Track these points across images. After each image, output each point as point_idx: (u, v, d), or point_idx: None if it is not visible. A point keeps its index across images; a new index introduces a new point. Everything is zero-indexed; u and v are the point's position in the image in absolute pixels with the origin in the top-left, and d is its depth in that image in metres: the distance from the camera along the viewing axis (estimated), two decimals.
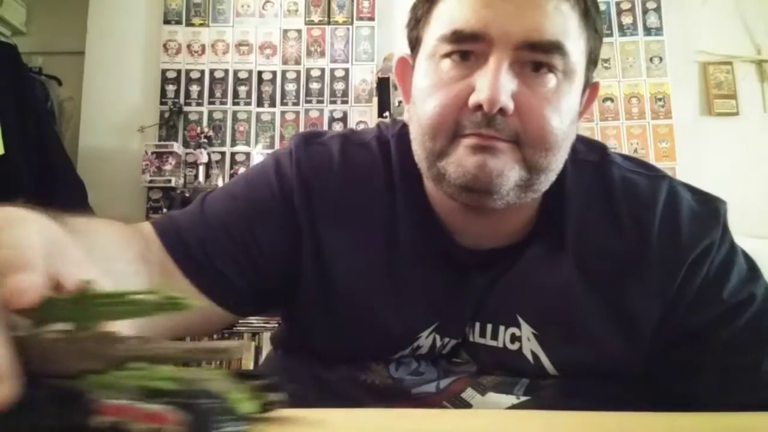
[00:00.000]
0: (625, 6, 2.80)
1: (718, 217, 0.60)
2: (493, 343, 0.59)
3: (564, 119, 0.54)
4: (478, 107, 0.51)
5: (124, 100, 2.81)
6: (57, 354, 0.28)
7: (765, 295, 0.58)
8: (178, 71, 2.81)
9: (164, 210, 2.61)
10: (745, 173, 2.69)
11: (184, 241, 0.59)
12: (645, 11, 2.78)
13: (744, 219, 2.64)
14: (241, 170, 2.67)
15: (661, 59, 2.74)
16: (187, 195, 2.62)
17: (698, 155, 2.69)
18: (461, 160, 0.53)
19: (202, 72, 2.81)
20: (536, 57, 0.52)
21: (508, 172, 0.52)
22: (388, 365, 0.61)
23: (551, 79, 0.53)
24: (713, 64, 2.79)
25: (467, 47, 0.53)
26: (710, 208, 0.61)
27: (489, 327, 0.59)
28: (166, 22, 2.85)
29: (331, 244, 0.61)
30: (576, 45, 0.54)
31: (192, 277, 0.58)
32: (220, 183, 2.65)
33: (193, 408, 0.25)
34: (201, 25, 2.85)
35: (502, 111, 0.51)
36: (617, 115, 2.70)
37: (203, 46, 2.83)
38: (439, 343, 0.60)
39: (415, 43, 0.60)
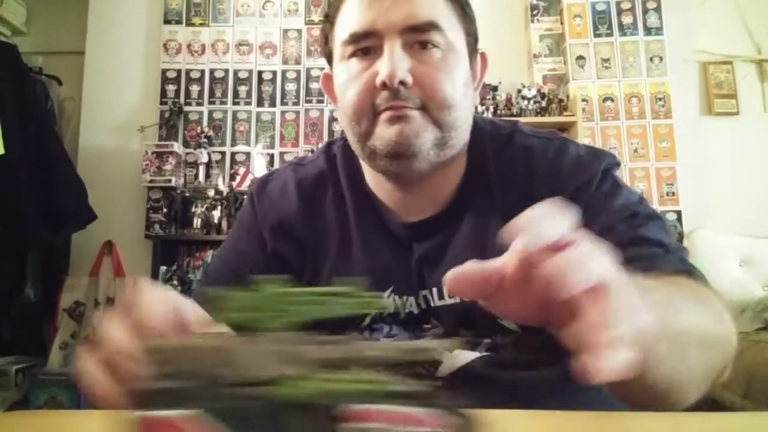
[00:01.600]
0: (625, 6, 2.80)
1: (600, 162, 0.69)
2: (451, 301, 0.66)
3: (455, 81, 0.65)
4: (384, 85, 0.63)
5: (124, 100, 2.81)
6: (251, 359, 0.26)
7: (652, 214, 0.66)
8: (178, 71, 2.81)
9: (164, 210, 2.62)
10: (745, 173, 2.69)
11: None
12: (645, 11, 2.78)
13: (744, 219, 2.65)
14: (241, 170, 2.67)
15: (661, 59, 2.74)
16: (187, 195, 2.62)
17: (698, 155, 2.69)
18: (382, 133, 0.64)
19: (202, 72, 2.81)
20: (419, 37, 0.64)
21: (423, 132, 0.64)
22: (363, 333, 0.68)
23: (436, 53, 0.65)
24: (713, 63, 2.79)
25: (364, 44, 0.65)
26: (594, 155, 0.70)
27: (445, 289, 0.64)
28: (166, 21, 2.85)
29: (308, 247, 0.72)
30: (449, 22, 0.66)
31: None
32: (220, 183, 2.65)
33: (453, 411, 0.24)
34: (201, 24, 2.85)
35: (403, 84, 0.62)
36: (617, 114, 2.70)
37: (203, 45, 2.83)
38: (399, 301, 0.68)
39: (329, 57, 0.73)
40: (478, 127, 0.72)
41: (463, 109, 0.66)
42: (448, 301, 0.66)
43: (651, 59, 2.74)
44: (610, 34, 2.77)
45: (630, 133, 2.69)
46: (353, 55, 0.66)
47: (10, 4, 2.80)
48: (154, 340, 0.28)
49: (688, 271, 0.59)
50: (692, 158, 2.67)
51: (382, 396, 0.24)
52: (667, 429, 0.42)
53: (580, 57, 2.75)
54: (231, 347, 0.26)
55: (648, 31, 2.77)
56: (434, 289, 0.67)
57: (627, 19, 2.79)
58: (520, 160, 0.70)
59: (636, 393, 0.44)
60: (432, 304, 0.67)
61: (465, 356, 0.64)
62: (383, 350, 0.28)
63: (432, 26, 0.64)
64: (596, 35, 2.77)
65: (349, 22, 0.66)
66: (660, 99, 2.70)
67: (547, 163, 0.69)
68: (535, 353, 0.62)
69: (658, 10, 2.78)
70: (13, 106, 2.25)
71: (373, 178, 0.73)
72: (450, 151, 0.67)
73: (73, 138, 2.78)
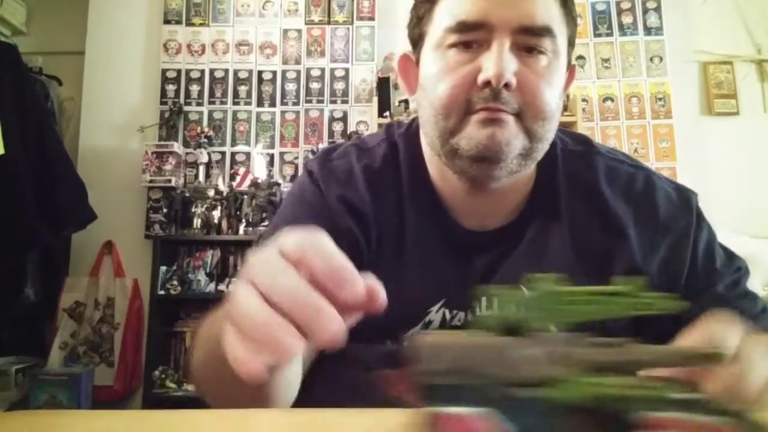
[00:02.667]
0: (625, 6, 2.80)
1: (691, 204, 0.69)
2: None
3: (555, 93, 0.62)
4: (487, 84, 0.59)
5: (124, 100, 2.81)
6: (524, 359, 0.25)
7: (746, 268, 0.68)
8: (178, 71, 2.81)
9: (164, 210, 2.62)
10: (745, 173, 2.69)
11: None
12: (645, 11, 2.78)
13: (744, 218, 2.65)
14: (241, 170, 2.67)
15: (661, 59, 2.74)
16: (187, 195, 2.62)
17: (698, 155, 2.69)
18: (472, 134, 0.60)
19: (202, 72, 2.81)
20: (531, 40, 0.60)
21: (514, 141, 0.60)
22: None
23: (543, 59, 0.61)
24: (713, 63, 2.79)
25: (471, 36, 0.60)
26: (683, 196, 0.69)
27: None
28: (166, 21, 2.85)
29: (372, 244, 0.67)
30: (560, 29, 0.63)
31: None
32: (220, 183, 2.65)
33: (747, 421, 0.23)
34: (201, 24, 2.85)
35: (507, 86, 0.58)
36: (617, 114, 2.70)
37: (203, 45, 2.83)
38: (449, 316, 0.65)
39: (418, 39, 0.68)
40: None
41: (555, 121, 0.64)
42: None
43: (651, 59, 2.74)
44: (610, 34, 2.77)
45: (630, 133, 2.69)
46: (453, 45, 0.61)
47: (10, 4, 2.80)
48: (429, 336, 0.27)
49: None
50: (692, 158, 2.67)
51: (674, 403, 0.23)
52: None
53: (580, 57, 2.75)
54: (505, 346, 0.26)
55: (648, 31, 2.77)
56: (483, 299, 0.64)
57: (627, 19, 2.79)
58: (602, 183, 0.68)
59: None
60: (478, 314, 0.65)
61: None
62: (661, 355, 0.26)
63: (546, 31, 0.60)
64: (596, 35, 2.77)
65: (458, 8, 0.61)
66: (660, 99, 2.70)
67: (636, 197, 0.67)
68: None
69: (658, 10, 2.78)
70: (13, 106, 2.25)
71: (441, 177, 0.69)
72: (531, 163, 0.64)
73: (73, 138, 2.79)
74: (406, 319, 0.64)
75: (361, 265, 0.64)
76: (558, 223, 0.66)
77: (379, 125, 2.48)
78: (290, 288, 0.31)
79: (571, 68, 0.69)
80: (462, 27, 0.60)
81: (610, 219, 0.66)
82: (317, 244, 0.33)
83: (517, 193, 0.68)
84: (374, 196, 0.68)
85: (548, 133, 0.63)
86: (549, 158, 0.68)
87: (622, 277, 0.62)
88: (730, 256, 0.69)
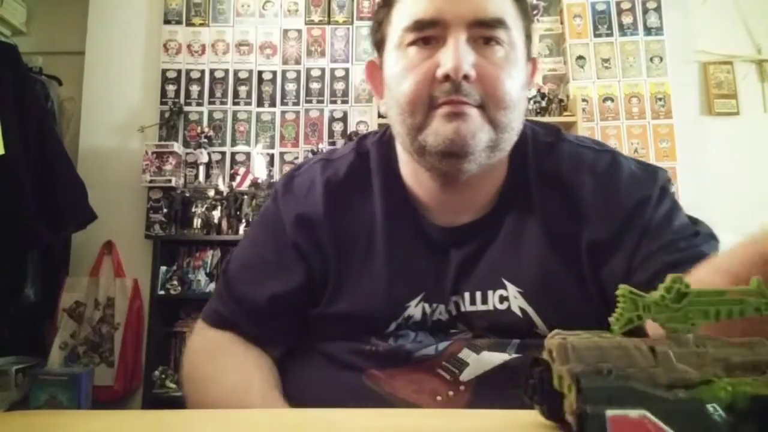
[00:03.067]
0: (625, 6, 2.80)
1: (656, 179, 0.68)
2: (483, 307, 0.65)
3: (515, 83, 0.64)
4: (446, 77, 0.60)
5: (124, 100, 2.81)
6: (674, 362, 0.26)
7: (711, 234, 0.66)
8: (178, 71, 2.81)
9: (164, 210, 2.62)
10: (745, 173, 2.69)
11: (234, 321, 0.70)
12: (645, 11, 2.78)
13: (744, 219, 2.64)
14: (241, 170, 2.67)
15: (661, 59, 2.74)
16: (187, 195, 2.62)
17: (698, 155, 2.69)
18: (438, 129, 0.62)
19: (202, 72, 2.81)
20: (485, 32, 0.62)
21: (480, 133, 0.62)
22: (388, 339, 0.66)
23: (500, 50, 0.63)
24: (713, 63, 2.79)
25: (428, 33, 0.63)
26: (649, 171, 0.69)
27: (478, 294, 0.65)
28: (167, 22, 2.85)
29: (327, 250, 0.69)
30: (514, 22, 0.65)
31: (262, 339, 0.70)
32: (220, 183, 2.65)
33: None
34: (201, 25, 2.85)
35: (466, 78, 0.60)
36: (617, 114, 2.70)
37: (203, 46, 2.83)
38: (428, 310, 0.66)
39: (380, 43, 0.70)
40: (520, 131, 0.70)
41: (518, 111, 0.65)
42: (480, 307, 0.65)
43: (651, 59, 2.74)
44: (610, 34, 2.77)
45: (630, 133, 2.69)
46: (413, 43, 0.64)
47: (10, 4, 2.80)
48: (577, 338, 0.28)
49: None
50: (692, 158, 2.66)
51: None
52: None
53: (580, 57, 2.75)
54: (658, 348, 0.26)
55: (648, 31, 2.77)
56: (466, 294, 0.65)
57: (627, 19, 2.79)
58: (567, 169, 0.68)
59: None
60: (462, 309, 0.65)
61: (492, 358, 0.62)
62: None
63: (499, 23, 0.63)
64: (596, 35, 2.77)
65: (413, 8, 0.63)
66: (660, 99, 2.70)
67: (599, 176, 0.67)
68: None
69: (658, 10, 2.78)
70: (13, 106, 2.25)
71: (414, 176, 0.70)
72: (500, 154, 0.65)
73: (73, 138, 2.78)
74: (386, 315, 0.65)
75: (312, 273, 0.67)
76: (531, 214, 0.67)
77: (379, 125, 2.47)
78: None
79: (532, 60, 0.72)
80: (418, 25, 0.63)
81: (574, 203, 0.66)
82: None
83: (489, 187, 0.69)
84: (333, 205, 0.70)
85: (513, 122, 0.64)
86: (520, 150, 0.69)
87: (586, 254, 0.63)
88: (692, 222, 0.67)
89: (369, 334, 0.66)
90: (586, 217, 0.65)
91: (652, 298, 0.27)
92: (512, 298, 0.64)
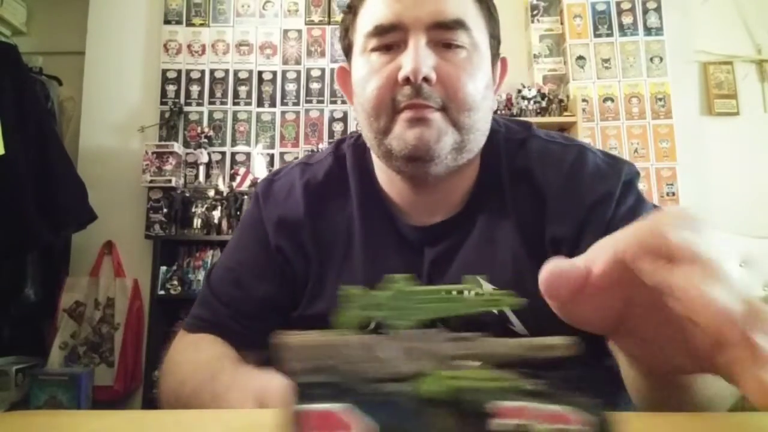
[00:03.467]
0: (626, 6, 2.80)
1: (620, 174, 0.67)
2: None
3: (478, 83, 0.64)
4: (407, 80, 0.61)
5: (124, 100, 2.81)
6: (388, 357, 0.27)
7: None
8: (179, 71, 2.81)
9: (164, 210, 2.62)
10: (745, 173, 2.69)
11: (220, 323, 0.70)
12: (645, 11, 2.78)
13: (744, 219, 2.65)
14: (242, 170, 2.67)
15: (661, 59, 2.74)
16: (187, 195, 2.62)
17: (698, 155, 2.69)
18: (401, 134, 0.62)
19: (203, 72, 2.81)
20: (445, 35, 0.62)
21: (443, 137, 0.62)
22: None
23: (462, 52, 0.63)
24: (713, 64, 2.79)
25: (389, 39, 0.63)
26: (614, 166, 0.68)
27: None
28: (167, 22, 2.85)
29: (309, 251, 0.70)
30: (476, 22, 0.65)
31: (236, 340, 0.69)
32: (220, 183, 2.65)
33: (589, 407, 0.24)
34: (201, 25, 2.85)
35: (426, 80, 0.60)
36: (617, 114, 2.70)
37: (203, 46, 2.83)
38: None
39: (348, 49, 0.71)
40: (492, 129, 0.70)
41: (482, 111, 0.65)
42: None
43: (651, 59, 2.74)
44: (610, 35, 2.77)
45: (630, 134, 2.69)
46: (375, 49, 0.64)
47: (10, 4, 2.80)
48: (292, 336, 0.28)
49: None
50: (692, 158, 2.67)
51: (525, 393, 0.25)
52: (667, 428, 0.42)
53: (580, 57, 2.75)
54: (371, 343, 0.27)
55: (648, 31, 2.77)
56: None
57: (627, 19, 2.79)
58: (536, 165, 0.69)
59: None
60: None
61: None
62: (512, 347, 0.28)
63: (459, 24, 0.62)
64: (596, 35, 2.77)
65: (374, 13, 0.64)
66: (660, 99, 2.70)
67: (565, 171, 0.67)
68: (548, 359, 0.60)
69: (658, 10, 2.78)
70: (13, 106, 2.25)
71: (386, 178, 0.72)
72: (467, 155, 0.66)
73: (73, 138, 2.79)
74: None
75: (295, 275, 0.67)
76: (504, 212, 0.67)
77: None
78: None
79: (501, 61, 0.72)
80: (379, 30, 0.63)
81: (541, 200, 0.66)
82: None
83: (461, 186, 0.69)
84: (312, 207, 0.71)
85: (478, 123, 0.64)
86: (491, 148, 0.70)
87: (551, 252, 0.62)
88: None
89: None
90: (550, 213, 0.66)
91: (377, 296, 0.28)
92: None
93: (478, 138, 0.66)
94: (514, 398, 0.24)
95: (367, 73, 0.65)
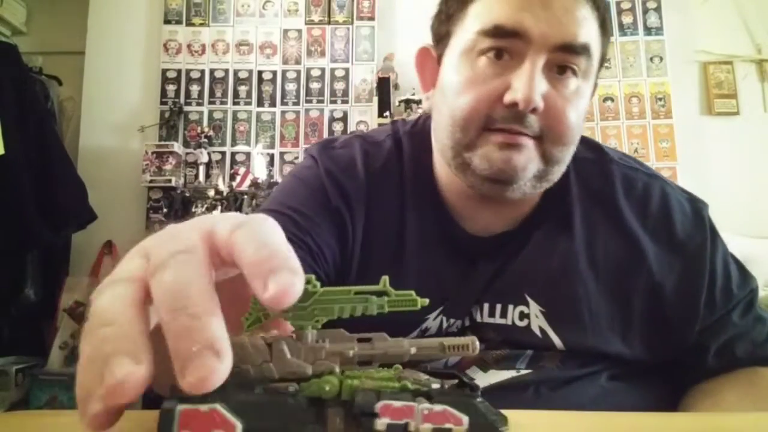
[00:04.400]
0: (626, 6, 2.80)
1: (704, 218, 0.67)
2: (501, 321, 0.62)
3: (581, 117, 0.60)
4: (513, 105, 0.55)
5: (124, 100, 2.81)
6: (287, 357, 0.27)
7: (757, 286, 0.67)
8: (179, 71, 2.81)
9: (164, 210, 2.62)
10: (745, 173, 2.69)
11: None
12: (645, 11, 2.78)
13: (744, 219, 2.65)
14: (242, 170, 2.67)
15: (661, 59, 2.74)
16: (187, 195, 2.62)
17: (699, 155, 2.69)
18: (488, 154, 0.57)
19: (203, 72, 2.81)
20: (567, 59, 0.57)
21: (530, 165, 0.58)
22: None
23: (573, 82, 0.58)
24: (713, 63, 2.79)
25: (506, 44, 0.56)
26: (696, 209, 0.68)
27: (498, 306, 0.63)
28: (167, 21, 2.85)
29: (357, 236, 0.64)
30: (597, 49, 0.60)
31: None
32: (220, 183, 2.65)
33: (474, 407, 0.25)
34: (201, 24, 2.85)
35: (533, 110, 0.55)
36: (617, 114, 2.70)
37: (203, 45, 2.83)
38: (446, 324, 0.63)
39: (443, 37, 0.64)
40: None
41: (574, 145, 0.61)
42: (498, 320, 0.62)
43: (651, 59, 2.74)
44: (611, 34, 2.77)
45: (630, 133, 2.69)
46: (485, 51, 0.57)
47: (10, 4, 2.80)
48: None
49: None
50: (692, 158, 2.66)
51: (413, 393, 0.26)
52: (667, 428, 0.42)
53: None
54: (277, 345, 0.28)
55: (648, 31, 2.76)
56: (485, 305, 0.63)
57: (627, 19, 2.78)
58: (618, 194, 0.65)
59: None
60: (477, 320, 0.63)
61: (499, 377, 0.59)
62: (422, 347, 0.29)
63: (585, 50, 0.57)
64: None
65: (495, 12, 0.57)
66: (660, 99, 2.70)
67: (654, 210, 0.65)
68: (579, 370, 0.60)
69: (658, 10, 2.78)
70: (13, 106, 2.25)
71: (448, 181, 0.66)
72: (546, 185, 0.62)
73: (73, 138, 2.78)
74: (404, 325, 0.61)
75: (345, 245, 0.61)
76: (568, 230, 0.64)
77: (379, 125, 2.47)
78: (179, 285, 0.23)
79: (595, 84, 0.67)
80: (498, 32, 0.56)
81: (626, 233, 0.64)
82: (256, 230, 0.26)
83: (527, 202, 0.66)
84: (373, 191, 0.65)
85: (566, 156, 0.61)
86: None
87: (644, 295, 0.62)
88: (743, 274, 0.67)
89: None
90: (639, 251, 0.63)
91: None
92: (533, 316, 0.61)
93: (561, 169, 0.62)
94: (403, 398, 0.25)
95: (469, 79, 0.58)
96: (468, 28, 0.59)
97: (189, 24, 2.85)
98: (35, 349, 2.52)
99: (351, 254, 0.64)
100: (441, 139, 0.63)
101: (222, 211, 2.58)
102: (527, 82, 0.54)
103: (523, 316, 0.62)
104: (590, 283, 0.62)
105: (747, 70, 2.79)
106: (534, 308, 0.61)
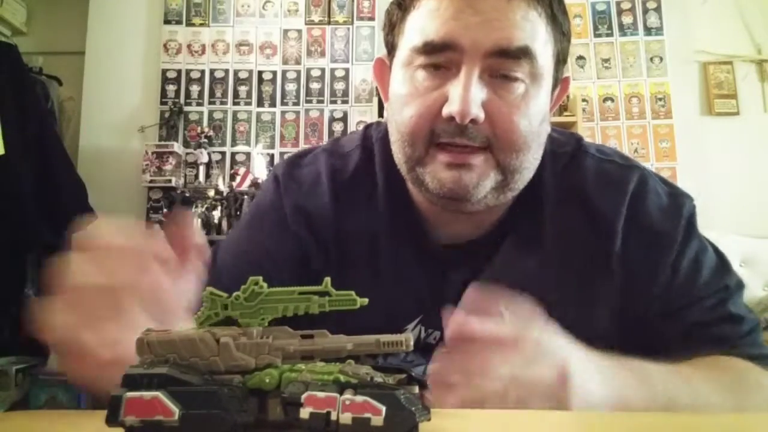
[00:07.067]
0: (626, 6, 2.80)
1: (682, 211, 0.64)
2: None
3: (533, 121, 0.57)
4: (452, 118, 0.54)
5: (124, 100, 2.81)
6: (232, 351, 0.30)
7: (736, 285, 0.63)
8: (179, 71, 2.81)
9: (164, 210, 2.62)
10: (745, 173, 2.69)
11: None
12: (645, 11, 2.78)
13: (744, 219, 2.65)
14: (242, 170, 2.67)
15: (661, 59, 2.74)
16: (187, 195, 2.62)
17: (698, 155, 2.69)
18: (437, 173, 0.56)
19: (203, 72, 2.81)
20: (504, 65, 0.55)
21: (483, 181, 0.56)
22: (376, 358, 0.63)
23: (519, 86, 0.56)
24: (713, 63, 2.79)
25: (439, 58, 0.55)
26: (675, 202, 0.65)
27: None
28: (167, 22, 2.85)
29: (330, 253, 0.65)
30: (544, 48, 0.57)
31: None
32: (220, 183, 2.65)
33: (393, 399, 0.28)
34: (201, 25, 2.85)
35: (473, 121, 0.54)
36: (617, 114, 2.70)
37: (203, 46, 2.83)
38: (424, 334, 0.64)
39: (391, 48, 0.63)
40: None
41: (533, 150, 0.58)
42: None
43: (651, 59, 2.74)
44: (610, 34, 2.77)
45: (630, 133, 2.69)
46: (422, 66, 0.57)
47: (10, 4, 2.80)
48: (155, 333, 0.31)
49: (756, 356, 0.59)
50: (692, 158, 2.67)
51: (343, 386, 0.28)
52: (667, 429, 0.42)
53: (580, 57, 2.75)
54: (225, 341, 0.30)
55: (648, 31, 2.77)
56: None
57: (627, 19, 2.79)
58: (591, 188, 0.64)
59: None
60: None
61: None
62: (359, 344, 0.32)
63: (523, 53, 0.54)
64: (596, 35, 2.77)
65: (426, 26, 0.55)
66: (660, 99, 2.70)
67: (628, 197, 0.63)
68: None
69: (658, 10, 2.78)
70: (13, 106, 2.24)
71: (416, 190, 0.64)
72: (511, 194, 0.60)
73: (73, 138, 2.78)
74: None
75: (309, 266, 0.63)
76: (541, 230, 0.63)
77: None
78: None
79: (563, 80, 0.65)
80: (429, 48, 0.55)
81: (598, 221, 0.62)
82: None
83: (497, 210, 0.64)
84: (340, 206, 0.65)
85: (525, 162, 0.58)
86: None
87: (603, 277, 0.61)
88: (719, 271, 0.64)
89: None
90: (609, 236, 0.62)
91: (230, 297, 0.31)
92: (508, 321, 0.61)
93: (525, 176, 0.60)
94: (329, 390, 0.28)
95: (409, 93, 0.57)
96: (405, 43, 0.58)
97: (189, 24, 2.85)
98: (35, 349, 2.52)
99: (327, 268, 0.64)
100: (395, 153, 0.62)
101: (222, 211, 2.58)
102: (462, 95, 0.53)
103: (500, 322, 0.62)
104: (560, 286, 0.61)
105: (747, 70, 2.79)
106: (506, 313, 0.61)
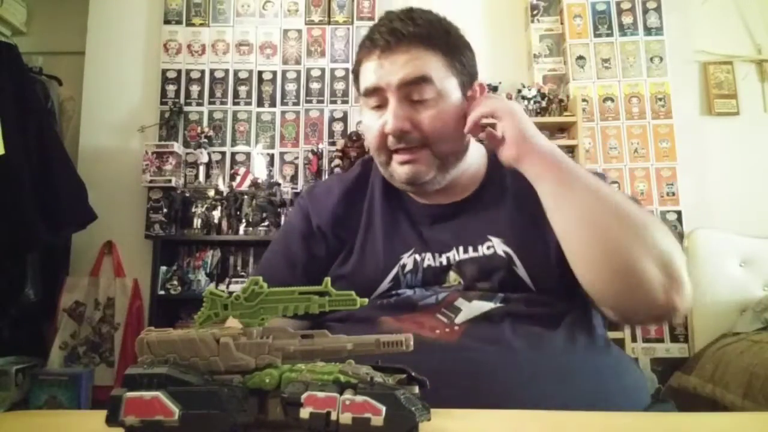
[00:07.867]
0: (626, 6, 2.80)
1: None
2: (474, 254, 0.82)
3: (447, 120, 0.80)
4: (390, 133, 0.80)
5: (124, 100, 2.81)
6: (232, 351, 0.30)
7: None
8: (179, 71, 2.81)
9: (164, 210, 2.62)
10: (745, 173, 2.69)
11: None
12: (645, 11, 2.78)
13: (744, 219, 2.65)
14: (242, 170, 2.67)
15: (661, 59, 2.74)
16: (187, 195, 2.62)
17: (698, 155, 2.70)
18: (396, 170, 0.83)
19: (203, 72, 2.81)
20: (413, 90, 0.79)
21: (429, 166, 0.82)
22: (385, 299, 0.82)
23: (429, 103, 0.80)
24: (713, 63, 2.79)
25: (376, 100, 0.81)
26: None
27: (470, 248, 0.83)
28: (167, 22, 2.85)
29: (342, 233, 0.88)
30: (443, 73, 0.80)
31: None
32: (220, 183, 2.65)
33: (393, 399, 0.28)
34: (201, 25, 2.85)
35: (404, 131, 0.79)
36: (617, 114, 2.70)
37: (203, 46, 2.83)
38: (419, 259, 0.83)
39: (357, 86, 0.87)
40: None
41: (457, 139, 0.83)
42: (471, 254, 0.81)
43: (651, 59, 2.74)
44: (610, 34, 2.77)
45: (630, 133, 2.69)
46: (370, 106, 0.83)
47: (10, 4, 2.80)
48: (152, 334, 0.31)
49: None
50: (692, 158, 2.67)
51: (343, 386, 0.29)
52: (666, 429, 0.42)
53: (580, 57, 2.75)
54: (226, 341, 0.30)
55: (648, 31, 2.77)
56: (460, 248, 0.82)
57: (627, 19, 2.79)
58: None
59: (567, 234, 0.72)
60: (456, 258, 0.82)
61: (482, 305, 0.77)
62: (359, 344, 0.32)
63: (423, 80, 0.78)
64: (596, 35, 2.77)
65: (365, 79, 0.82)
66: (660, 99, 2.70)
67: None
68: (543, 309, 0.76)
69: (658, 10, 2.78)
70: (13, 106, 2.25)
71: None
72: (455, 171, 0.85)
73: (73, 138, 2.79)
74: (383, 266, 0.83)
75: (331, 251, 0.89)
76: (505, 193, 0.86)
77: None
78: None
79: (480, 86, 0.86)
80: (367, 92, 0.81)
81: (532, 191, 0.81)
82: None
83: (470, 178, 0.88)
84: (347, 200, 0.90)
85: (456, 146, 0.83)
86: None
87: (544, 216, 0.78)
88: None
89: (373, 281, 0.82)
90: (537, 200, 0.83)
91: (230, 297, 0.31)
92: (497, 244, 0.82)
93: (461, 153, 0.85)
94: (329, 390, 0.28)
95: (366, 125, 0.85)
96: (361, 90, 0.84)
97: (189, 24, 2.85)
98: (35, 349, 2.52)
99: (341, 245, 0.87)
100: (374, 157, 0.87)
101: (222, 211, 2.58)
102: (390, 115, 0.79)
103: (489, 247, 0.82)
104: (522, 224, 0.82)
105: (747, 70, 2.79)
106: (496, 240, 0.82)
